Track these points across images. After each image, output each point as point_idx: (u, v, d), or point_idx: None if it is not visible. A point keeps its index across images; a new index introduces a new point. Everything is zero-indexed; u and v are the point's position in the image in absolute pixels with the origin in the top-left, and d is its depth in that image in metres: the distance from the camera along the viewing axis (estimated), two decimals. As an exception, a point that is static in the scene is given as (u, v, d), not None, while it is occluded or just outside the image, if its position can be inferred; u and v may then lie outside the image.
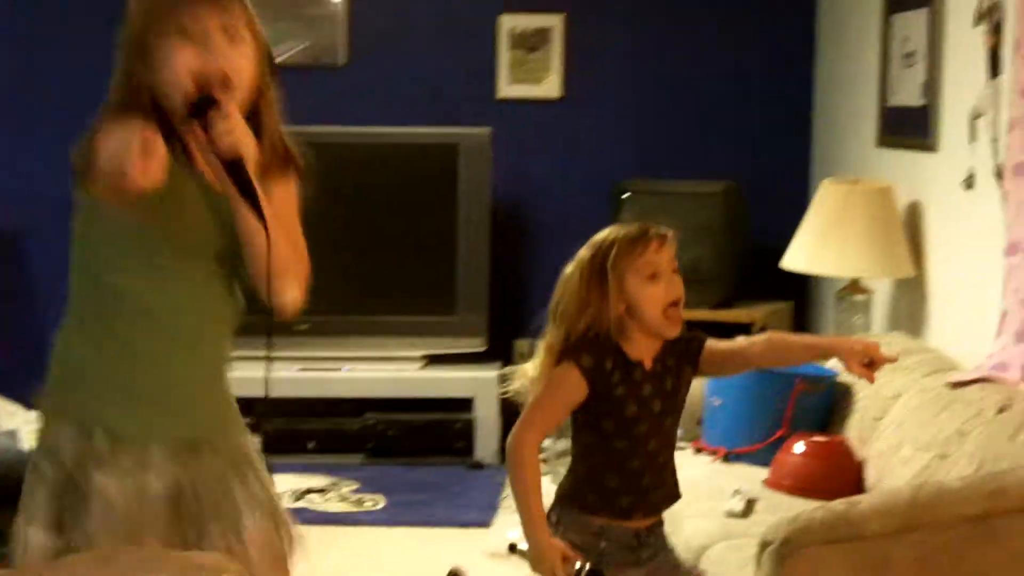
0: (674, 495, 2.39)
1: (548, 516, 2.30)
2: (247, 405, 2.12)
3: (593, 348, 2.28)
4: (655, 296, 2.28)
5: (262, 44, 1.94)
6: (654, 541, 2.35)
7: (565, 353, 2.28)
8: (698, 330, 2.39)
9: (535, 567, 2.26)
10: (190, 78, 1.85)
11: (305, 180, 2.04)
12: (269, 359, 1.98)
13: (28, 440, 3.71)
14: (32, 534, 1.89)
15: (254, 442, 2.10)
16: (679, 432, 2.38)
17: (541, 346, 2.34)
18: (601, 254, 2.32)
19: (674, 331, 2.31)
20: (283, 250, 1.91)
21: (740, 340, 2.38)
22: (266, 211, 1.85)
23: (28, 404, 4.20)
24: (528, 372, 2.35)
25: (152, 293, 1.92)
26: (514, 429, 2.27)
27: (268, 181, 1.93)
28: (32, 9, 5.20)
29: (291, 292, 1.96)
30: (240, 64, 1.89)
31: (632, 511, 2.31)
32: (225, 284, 1.99)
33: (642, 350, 2.32)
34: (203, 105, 1.84)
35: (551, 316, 2.34)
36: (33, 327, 5.25)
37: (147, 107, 1.87)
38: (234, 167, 1.83)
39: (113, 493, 1.88)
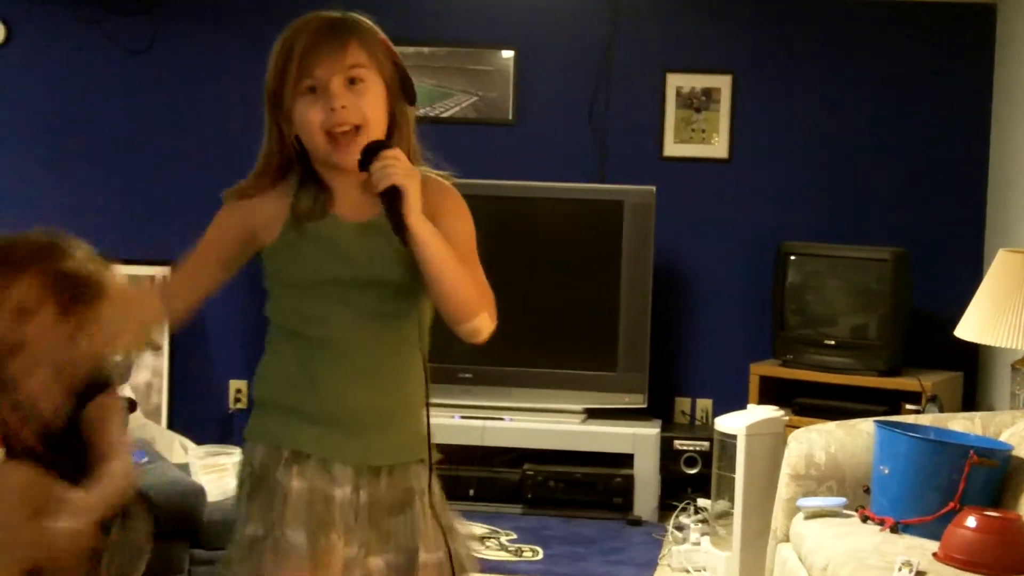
0: None
1: None
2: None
3: None
4: None
5: (389, 74, 2.04)
6: None
7: None
8: None
9: None
10: (321, 133, 2.00)
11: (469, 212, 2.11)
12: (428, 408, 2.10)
13: (198, 473, 3.86)
14: (238, 529, 2.04)
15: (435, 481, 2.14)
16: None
17: None
18: None
19: None
20: (460, 279, 2.00)
21: None
22: (431, 241, 1.96)
23: (199, 440, 4.38)
24: None
25: (326, 329, 2.03)
26: None
27: (433, 214, 2.02)
28: (181, 56, 5.45)
29: (478, 320, 2.03)
30: (363, 108, 2.00)
31: None
32: (409, 317, 2.07)
33: None
34: (370, 154, 1.97)
35: None
36: (204, 368, 5.46)
37: (292, 157, 2.05)
38: (387, 198, 1.95)
39: (296, 488, 2.00)
